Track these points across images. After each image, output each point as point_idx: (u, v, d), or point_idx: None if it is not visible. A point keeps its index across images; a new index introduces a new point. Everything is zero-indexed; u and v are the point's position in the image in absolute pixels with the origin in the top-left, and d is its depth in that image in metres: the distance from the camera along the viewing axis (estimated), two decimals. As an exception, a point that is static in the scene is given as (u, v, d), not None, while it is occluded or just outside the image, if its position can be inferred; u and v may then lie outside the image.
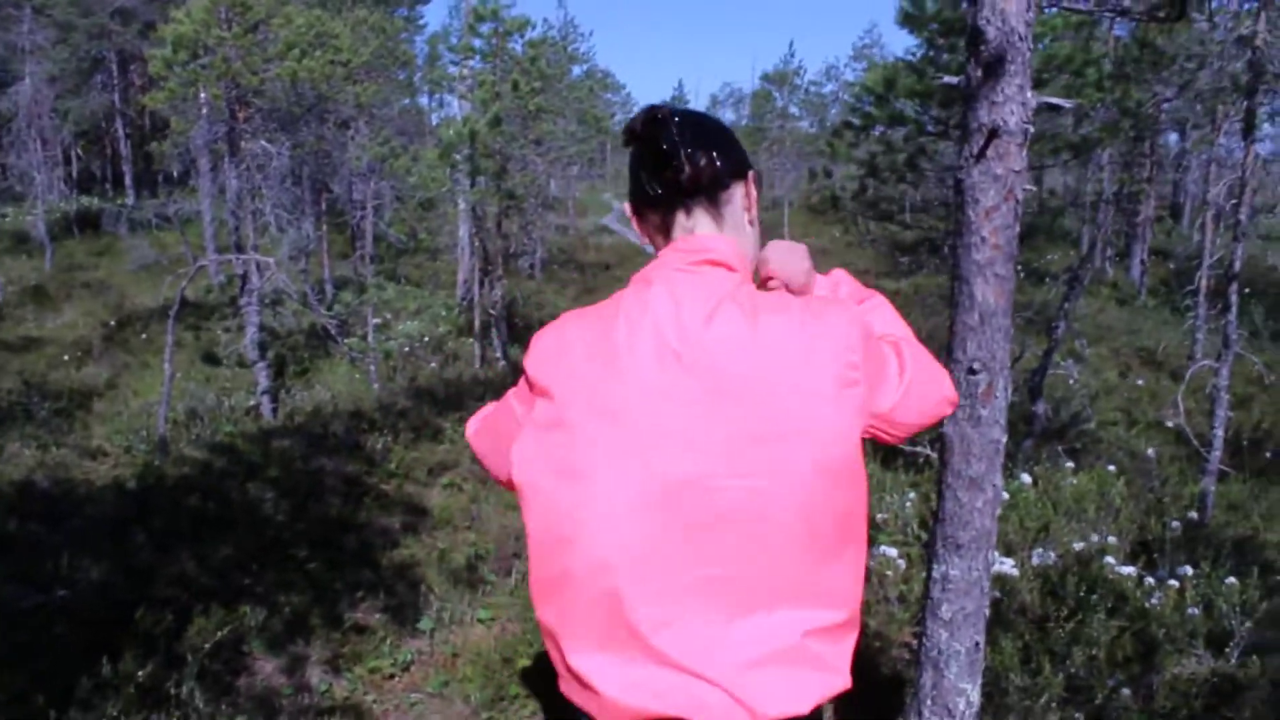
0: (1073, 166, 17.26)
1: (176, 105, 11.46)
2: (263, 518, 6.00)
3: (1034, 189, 4.80)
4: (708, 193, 1.33)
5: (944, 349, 2.41)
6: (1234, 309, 6.82)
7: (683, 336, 1.23)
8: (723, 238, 1.33)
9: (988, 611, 2.47)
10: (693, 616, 1.20)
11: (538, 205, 15.36)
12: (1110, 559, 4.33)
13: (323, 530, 5.85)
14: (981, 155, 2.17)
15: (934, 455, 5.49)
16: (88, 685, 3.38)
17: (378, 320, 13.53)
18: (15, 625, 4.12)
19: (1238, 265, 6.79)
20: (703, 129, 1.33)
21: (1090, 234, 19.21)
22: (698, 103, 59.46)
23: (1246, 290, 10.22)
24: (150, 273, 18.67)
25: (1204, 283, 10.00)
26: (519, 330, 14.68)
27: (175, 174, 26.43)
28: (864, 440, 1.30)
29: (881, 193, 9.61)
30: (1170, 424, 9.49)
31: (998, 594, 3.93)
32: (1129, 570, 4.20)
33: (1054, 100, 2.33)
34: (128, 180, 28.62)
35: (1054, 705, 3.09)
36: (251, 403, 10.08)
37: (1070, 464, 6.39)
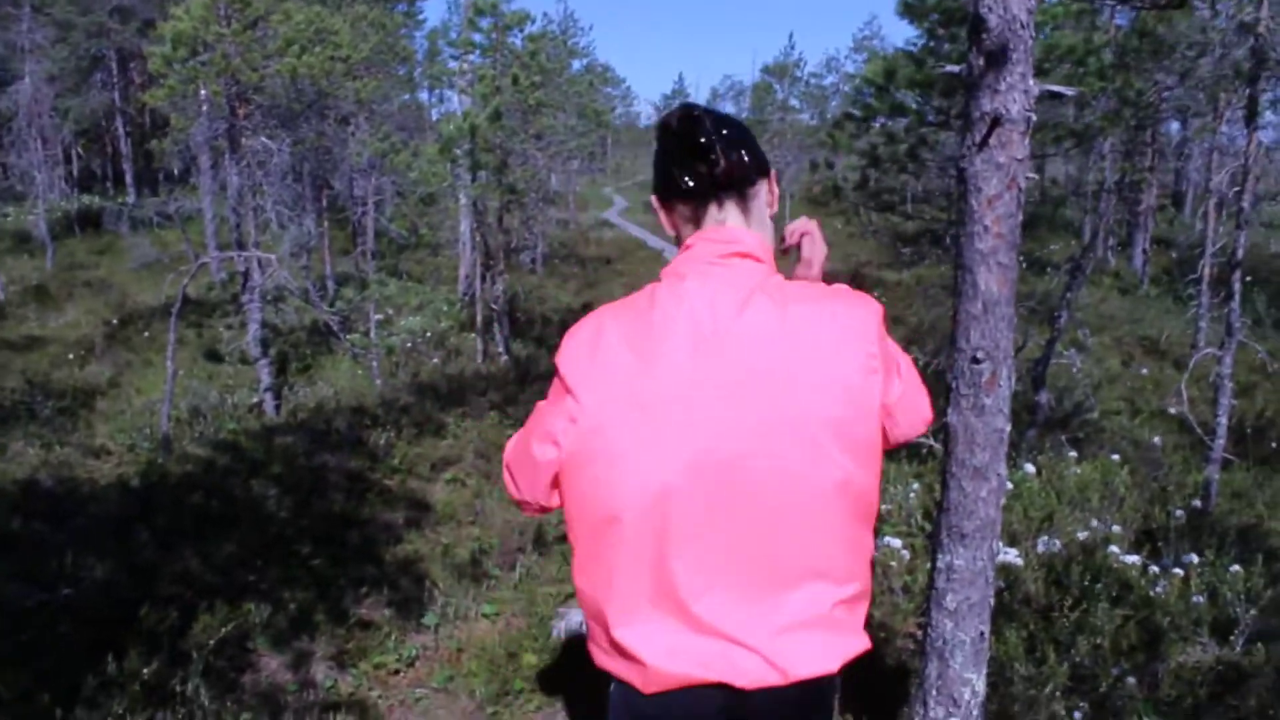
0: (1074, 156, 17.23)
1: (176, 102, 11.45)
2: (266, 514, 6.00)
3: (1036, 178, 4.79)
4: (739, 187, 1.41)
5: (948, 339, 2.40)
6: (1237, 297, 6.81)
7: (717, 326, 1.31)
8: (750, 231, 1.41)
9: (992, 601, 2.47)
10: (729, 587, 1.30)
11: (538, 200, 15.36)
12: (1114, 548, 4.32)
13: (326, 526, 5.86)
14: (984, 144, 2.16)
15: (938, 446, 5.49)
16: (93, 683, 3.37)
17: (379, 316, 13.53)
18: (20, 624, 4.12)
19: (1240, 253, 6.78)
20: (734, 127, 1.42)
21: (1092, 223, 19.17)
22: (697, 96, 59.36)
23: (1249, 278, 10.16)
24: (152, 271, 18.70)
25: (1207, 271, 9.97)
26: (521, 325, 14.67)
27: (176, 171, 26.46)
28: None
29: (883, 184, 9.61)
30: (1174, 412, 9.49)
31: (1002, 584, 3.93)
32: (1133, 559, 4.18)
33: (1056, 88, 2.33)
34: (128, 178, 28.65)
35: (1059, 694, 3.09)
36: (254, 400, 10.09)
37: (1074, 453, 6.37)
